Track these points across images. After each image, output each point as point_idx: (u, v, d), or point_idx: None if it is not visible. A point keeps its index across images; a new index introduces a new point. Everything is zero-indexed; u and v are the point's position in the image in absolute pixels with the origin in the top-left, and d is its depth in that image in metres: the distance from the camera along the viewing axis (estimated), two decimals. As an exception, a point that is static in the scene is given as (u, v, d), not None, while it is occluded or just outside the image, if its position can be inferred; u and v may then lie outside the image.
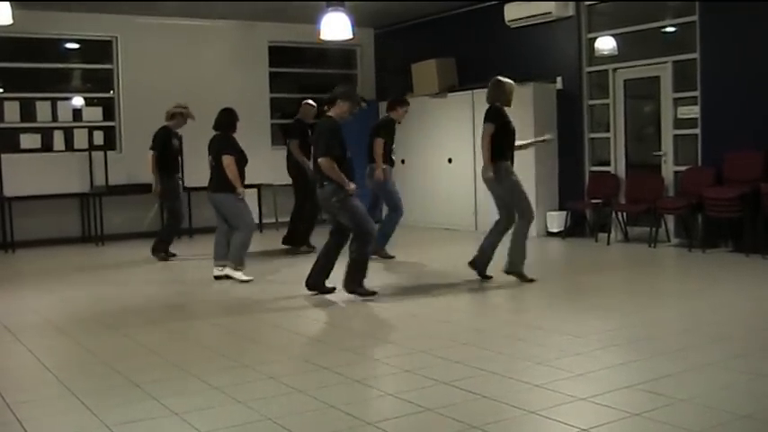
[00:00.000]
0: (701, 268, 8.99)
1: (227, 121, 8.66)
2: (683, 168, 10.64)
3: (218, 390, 4.72)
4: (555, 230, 11.91)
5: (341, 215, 7.38)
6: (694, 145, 10.52)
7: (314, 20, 10.61)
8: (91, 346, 6.05)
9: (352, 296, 7.44)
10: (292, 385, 4.78)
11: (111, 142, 13.37)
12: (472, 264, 8.21)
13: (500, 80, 8.25)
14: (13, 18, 8.91)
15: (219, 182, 8.52)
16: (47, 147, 12.96)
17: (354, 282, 7.46)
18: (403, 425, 4.07)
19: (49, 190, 12.50)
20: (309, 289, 7.68)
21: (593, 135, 11.95)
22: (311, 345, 5.91)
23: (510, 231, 8.07)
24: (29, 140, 12.83)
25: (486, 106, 8.19)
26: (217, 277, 8.70)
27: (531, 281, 7.98)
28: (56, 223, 12.74)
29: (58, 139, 13.05)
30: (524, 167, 11.92)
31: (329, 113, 7.48)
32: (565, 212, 11.80)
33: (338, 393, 4.73)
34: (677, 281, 8.75)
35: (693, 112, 10.51)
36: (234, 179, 8.43)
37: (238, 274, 8.59)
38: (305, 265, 9.76)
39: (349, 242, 7.54)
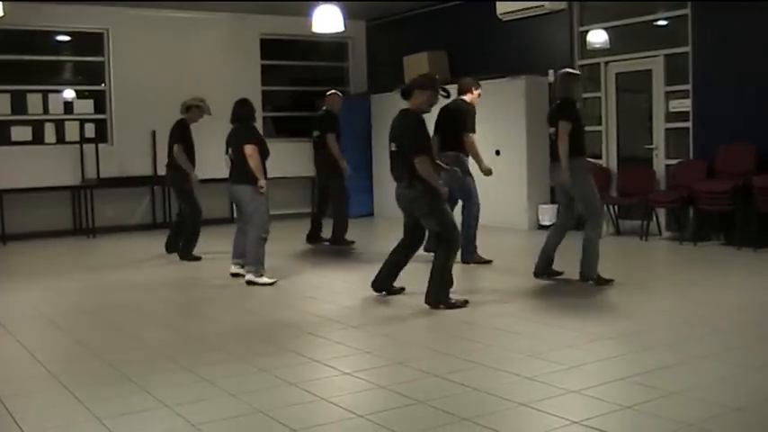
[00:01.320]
0: (693, 261, 9.01)
1: (245, 112, 8.29)
2: (674, 162, 10.65)
3: (210, 382, 4.72)
4: (547, 223, 11.87)
5: (428, 218, 6.72)
6: (686, 138, 10.54)
7: (306, 12, 10.59)
8: (82, 338, 6.04)
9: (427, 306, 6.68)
10: (284, 378, 4.77)
11: (102, 135, 13.31)
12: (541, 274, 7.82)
13: (573, 72, 7.87)
14: (4, 10, 8.86)
15: (240, 173, 8.08)
16: (38, 139, 12.91)
17: (440, 294, 6.68)
18: (394, 417, 4.07)
19: (40, 182, 12.44)
20: (376, 290, 7.16)
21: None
22: (303, 337, 5.90)
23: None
24: (20, 133, 12.76)
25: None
26: (234, 274, 8.30)
27: (610, 281, 7.48)
28: (47, 216, 12.68)
29: (50, 132, 12.99)
30: (516, 160, 11.96)
31: (407, 106, 6.81)
32: (556, 206, 11.78)
33: (329, 386, 4.73)
34: (669, 274, 8.77)
35: (685, 105, 10.52)
36: (256, 169, 8.01)
37: (262, 279, 7.98)
38: (298, 260, 9.76)
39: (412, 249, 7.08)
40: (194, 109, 9.71)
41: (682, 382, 4.50)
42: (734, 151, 9.75)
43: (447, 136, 8.76)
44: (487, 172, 8.88)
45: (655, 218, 10.68)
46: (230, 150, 8.19)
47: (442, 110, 8.75)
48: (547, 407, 4.14)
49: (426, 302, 6.65)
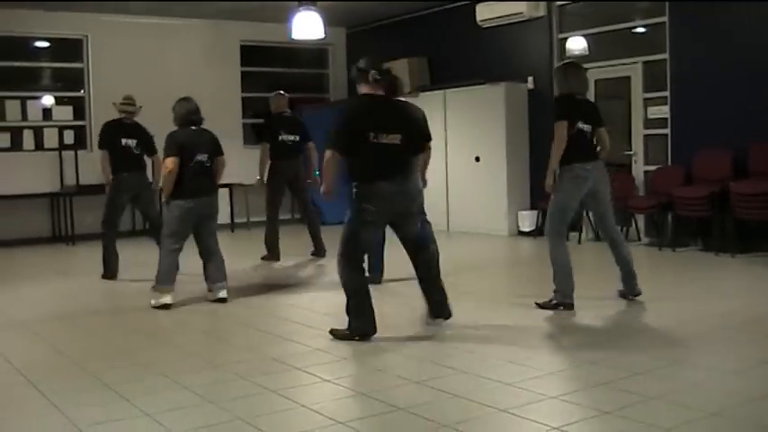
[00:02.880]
0: (671, 267, 9.07)
1: (200, 112, 7.55)
2: (653, 168, 10.73)
3: (190, 390, 4.71)
4: (526, 230, 11.96)
5: (417, 218, 6.04)
6: (664, 144, 10.62)
7: (286, 19, 10.60)
8: (61, 346, 6.01)
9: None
10: (264, 385, 4.77)
11: (81, 141, 13.27)
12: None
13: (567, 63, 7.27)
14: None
15: (214, 183, 7.50)
16: (16, 146, 12.86)
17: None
18: (374, 424, 4.08)
19: (18, 190, 12.38)
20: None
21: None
22: (282, 344, 5.90)
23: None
24: (-2, 140, 12.73)
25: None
26: (165, 306, 7.24)
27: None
28: (26, 223, 12.63)
29: (28, 139, 12.95)
30: (496, 166, 12.00)
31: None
32: (536, 212, 11.84)
33: (309, 393, 4.73)
34: (647, 280, 8.76)
35: (663, 112, 10.60)
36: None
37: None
38: (278, 268, 9.72)
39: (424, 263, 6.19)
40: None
41: (659, 387, 4.53)
42: (711, 157, 9.84)
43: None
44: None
45: (633, 224, 10.74)
46: (204, 157, 7.35)
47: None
48: (527, 413, 4.16)
49: (448, 317, 6.17)
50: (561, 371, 4.91)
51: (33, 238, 12.59)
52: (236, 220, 13.99)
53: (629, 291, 7.02)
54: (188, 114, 7.43)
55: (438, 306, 6.20)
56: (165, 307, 7.18)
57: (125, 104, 9.18)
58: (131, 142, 8.97)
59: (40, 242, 12.61)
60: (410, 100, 12.06)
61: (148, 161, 9.24)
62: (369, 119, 5.79)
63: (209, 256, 7.49)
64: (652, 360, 5.14)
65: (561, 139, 6.59)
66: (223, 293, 7.43)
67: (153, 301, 7.28)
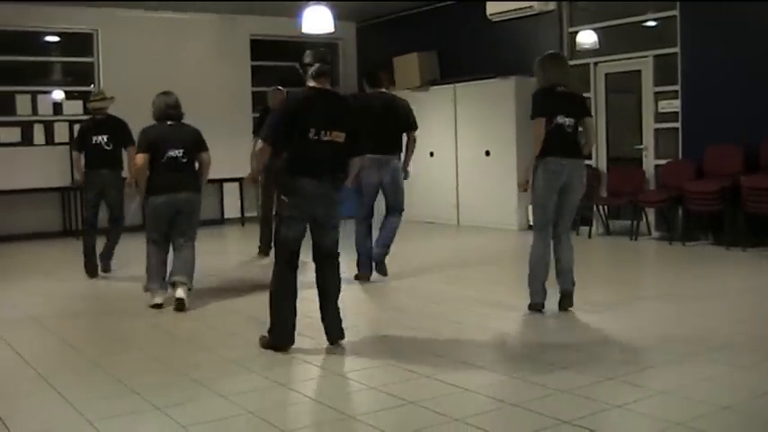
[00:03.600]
0: (682, 261, 9.03)
1: (180, 108, 7.25)
2: (663, 162, 10.70)
3: (200, 383, 4.71)
4: (537, 224, 11.93)
5: (336, 229, 5.60)
6: (675, 139, 10.58)
7: (296, 14, 10.60)
8: (71, 340, 6.02)
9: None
10: (274, 379, 4.77)
11: (91, 136, 13.29)
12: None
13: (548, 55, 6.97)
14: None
15: (194, 180, 7.16)
16: (27, 140, 12.89)
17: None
18: (385, 418, 4.08)
19: (29, 184, 12.42)
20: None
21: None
22: (293, 338, 5.90)
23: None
24: (8, 134, 12.74)
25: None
26: (157, 306, 6.97)
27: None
28: (36, 217, 12.66)
29: (39, 133, 12.97)
30: (506, 160, 11.97)
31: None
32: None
33: (320, 387, 4.74)
34: (658, 274, 8.79)
35: (674, 105, 10.57)
36: (206, 178, 7.37)
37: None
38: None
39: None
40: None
41: (670, 381, 4.52)
42: (722, 152, 9.80)
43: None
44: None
45: (644, 218, 10.71)
46: (178, 153, 7.01)
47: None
48: (538, 407, 4.15)
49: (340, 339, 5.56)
50: (571, 365, 4.90)
51: (44, 233, 12.62)
52: (247, 215, 14.00)
53: (563, 298, 6.44)
54: (166, 108, 7.15)
55: (333, 328, 5.59)
56: (157, 307, 6.91)
57: (94, 101, 9.09)
58: (102, 138, 8.81)
59: (50, 236, 12.62)
60: (420, 95, 12.10)
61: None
62: (313, 114, 5.40)
63: (176, 252, 7.12)
64: (663, 354, 5.13)
65: (537, 137, 6.31)
66: (177, 277, 6.96)
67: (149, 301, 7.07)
